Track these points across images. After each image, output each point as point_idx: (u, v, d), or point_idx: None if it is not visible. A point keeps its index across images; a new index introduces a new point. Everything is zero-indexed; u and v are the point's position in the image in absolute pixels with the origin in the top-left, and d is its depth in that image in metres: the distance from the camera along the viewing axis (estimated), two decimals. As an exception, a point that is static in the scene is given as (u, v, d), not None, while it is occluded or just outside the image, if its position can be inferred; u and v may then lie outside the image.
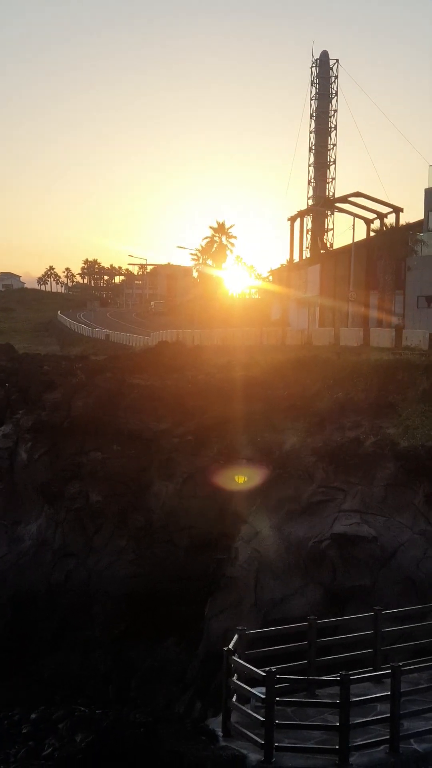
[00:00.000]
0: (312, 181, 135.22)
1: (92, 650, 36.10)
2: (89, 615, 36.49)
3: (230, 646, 21.94)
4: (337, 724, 19.59)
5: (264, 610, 30.54)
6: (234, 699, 21.30)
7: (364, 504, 31.51)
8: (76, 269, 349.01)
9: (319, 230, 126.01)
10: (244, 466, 36.32)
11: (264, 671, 19.82)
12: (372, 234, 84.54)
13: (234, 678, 21.33)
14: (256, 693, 20.16)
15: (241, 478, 35.93)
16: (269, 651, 23.14)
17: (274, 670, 19.89)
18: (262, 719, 19.54)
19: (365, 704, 20.83)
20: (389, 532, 30.49)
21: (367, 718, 20.59)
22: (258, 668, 20.45)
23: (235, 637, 22.61)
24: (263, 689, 19.72)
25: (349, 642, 24.79)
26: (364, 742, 19.94)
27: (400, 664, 21.14)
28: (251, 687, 20.69)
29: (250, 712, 20.57)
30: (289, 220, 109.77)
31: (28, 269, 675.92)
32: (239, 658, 21.72)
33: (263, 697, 19.60)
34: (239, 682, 21.16)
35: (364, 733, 20.20)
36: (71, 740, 20.35)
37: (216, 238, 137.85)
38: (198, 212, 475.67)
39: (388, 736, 20.06)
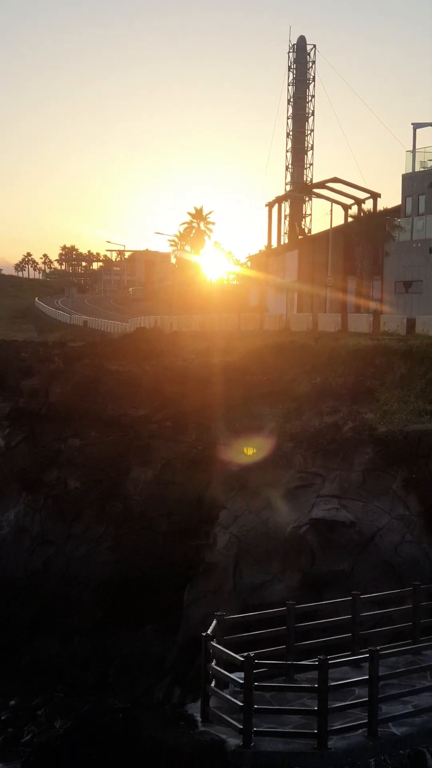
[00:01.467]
0: (290, 166, 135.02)
1: (71, 637, 36.08)
2: (68, 602, 36.44)
3: (209, 632, 21.94)
4: (316, 708, 19.63)
5: (243, 595, 30.58)
6: (213, 684, 21.31)
7: (342, 489, 31.54)
8: (54, 255, 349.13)
9: (297, 216, 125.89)
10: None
11: (242, 656, 19.83)
12: (350, 219, 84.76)
13: (213, 663, 21.33)
14: (235, 678, 20.17)
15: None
16: (248, 636, 23.15)
17: (252, 655, 19.90)
18: (240, 704, 19.55)
19: (343, 688, 20.88)
20: (367, 517, 30.55)
21: (346, 702, 20.61)
22: (236, 653, 20.46)
23: (214, 622, 22.60)
24: (242, 674, 19.73)
25: (327, 627, 24.84)
26: (342, 726, 19.97)
27: (378, 648, 21.19)
28: (230, 672, 20.71)
29: (228, 697, 20.59)
30: (267, 205, 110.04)
31: (5, 256, 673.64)
32: (218, 643, 21.71)
33: (242, 682, 19.60)
34: (218, 668, 21.17)
35: (342, 717, 20.23)
36: (50, 727, 20.42)
37: (194, 224, 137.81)
38: (176, 198, 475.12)
39: (366, 720, 20.10)
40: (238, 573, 31.37)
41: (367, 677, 20.36)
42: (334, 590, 28.09)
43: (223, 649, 21.31)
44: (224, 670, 20.98)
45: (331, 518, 30.25)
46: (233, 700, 20.17)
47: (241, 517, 32.96)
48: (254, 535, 31.82)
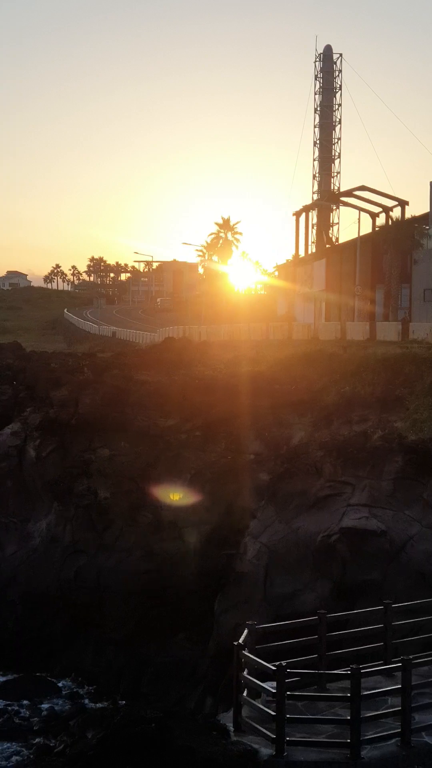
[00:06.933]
0: (317, 175, 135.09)
1: (103, 646, 36.17)
2: (100, 611, 36.54)
3: (240, 641, 21.93)
4: (348, 717, 19.57)
5: (274, 604, 30.54)
6: (245, 694, 21.28)
7: (372, 498, 31.46)
8: (82, 267, 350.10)
9: (324, 225, 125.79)
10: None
11: (274, 665, 19.79)
12: (377, 228, 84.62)
13: (245, 672, 21.31)
14: (267, 687, 20.14)
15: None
16: (279, 645, 23.10)
17: (284, 664, 19.86)
18: (273, 713, 19.51)
19: (376, 697, 20.79)
20: (398, 526, 30.44)
21: (378, 711, 20.52)
22: (268, 662, 20.43)
23: (245, 631, 22.58)
24: (274, 683, 19.71)
25: (359, 636, 24.75)
26: (375, 735, 19.89)
27: (411, 657, 21.10)
28: (262, 681, 20.68)
29: (260, 706, 20.55)
30: (294, 214, 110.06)
31: (34, 268, 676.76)
32: (249, 652, 21.70)
33: (274, 691, 19.58)
34: (250, 677, 21.14)
35: (375, 727, 20.15)
36: (83, 737, 20.36)
37: (221, 234, 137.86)
38: (203, 208, 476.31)
39: (399, 729, 20.00)
40: (269, 582, 31.33)
41: (399, 686, 20.27)
42: (366, 599, 28.00)
43: (255, 658, 21.28)
44: (256, 679, 20.96)
45: (362, 527, 30.17)
46: (266, 709, 20.13)
47: (271, 526, 32.93)
48: (284, 545, 31.78)
